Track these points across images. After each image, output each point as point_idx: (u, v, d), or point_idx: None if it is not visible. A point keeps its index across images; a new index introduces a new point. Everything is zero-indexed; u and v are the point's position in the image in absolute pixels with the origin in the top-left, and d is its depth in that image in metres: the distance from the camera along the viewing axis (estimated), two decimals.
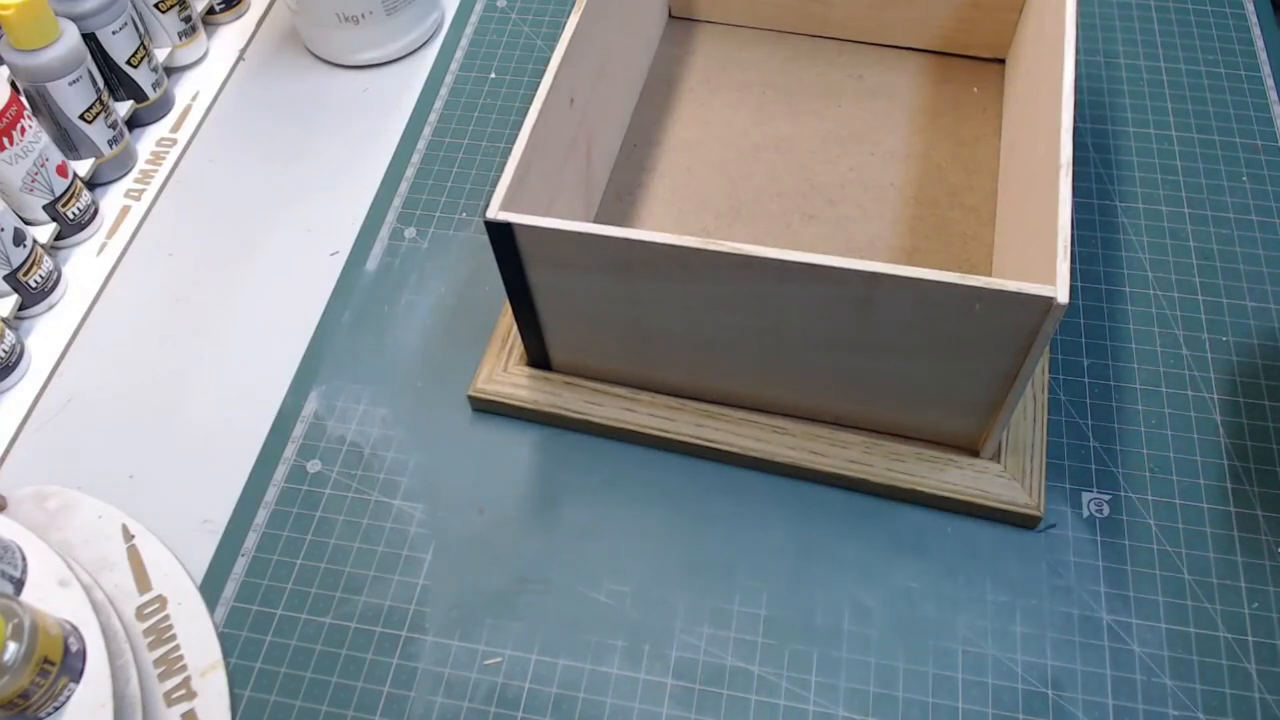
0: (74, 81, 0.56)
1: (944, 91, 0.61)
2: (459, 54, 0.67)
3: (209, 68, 0.68)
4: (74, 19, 0.57)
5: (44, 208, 0.56)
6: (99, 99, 0.58)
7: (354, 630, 0.45)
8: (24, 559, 0.43)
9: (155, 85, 0.63)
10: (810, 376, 0.45)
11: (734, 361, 0.45)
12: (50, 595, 0.42)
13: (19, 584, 0.42)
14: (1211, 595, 0.44)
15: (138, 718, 0.41)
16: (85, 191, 0.58)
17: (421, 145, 0.62)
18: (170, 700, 0.43)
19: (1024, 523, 0.46)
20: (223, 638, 0.45)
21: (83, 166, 0.59)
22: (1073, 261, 0.55)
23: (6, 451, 0.52)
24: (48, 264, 0.56)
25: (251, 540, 0.48)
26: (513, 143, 0.43)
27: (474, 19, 0.69)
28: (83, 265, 0.58)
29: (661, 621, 0.45)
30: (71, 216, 0.58)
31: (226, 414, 0.52)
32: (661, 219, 0.56)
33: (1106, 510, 0.47)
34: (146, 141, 0.64)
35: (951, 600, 0.45)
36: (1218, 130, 0.59)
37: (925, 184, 0.56)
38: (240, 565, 0.47)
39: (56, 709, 0.39)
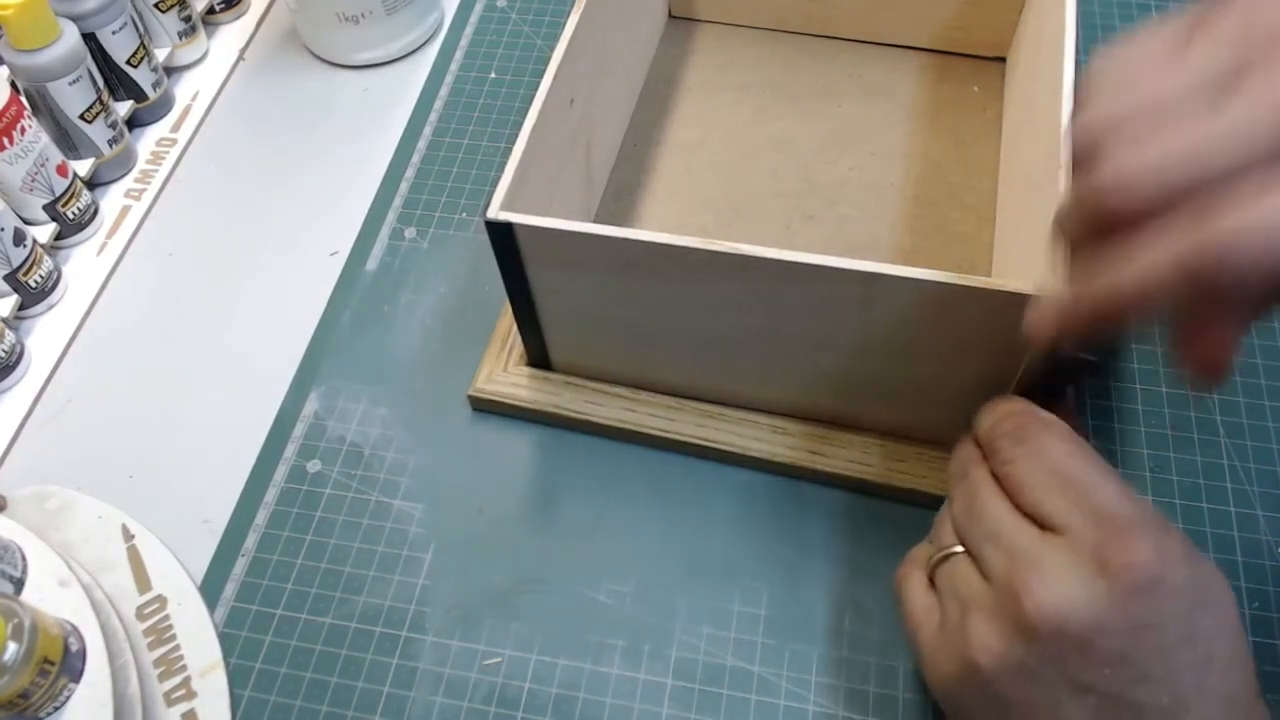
0: (74, 81, 0.56)
1: (944, 91, 0.61)
2: (459, 54, 0.67)
3: (209, 68, 0.68)
4: (74, 19, 0.57)
5: (44, 208, 0.56)
6: (99, 99, 0.58)
7: (354, 630, 0.45)
8: (24, 559, 0.43)
9: (155, 85, 0.63)
10: (810, 376, 0.45)
11: (734, 361, 0.45)
12: (50, 595, 0.42)
13: (19, 584, 0.42)
14: None
15: (138, 718, 0.41)
16: (85, 191, 0.58)
17: (421, 145, 0.62)
18: (170, 700, 0.43)
19: None
20: (223, 638, 0.45)
21: (83, 166, 0.59)
22: None
23: (6, 451, 0.52)
24: (48, 264, 0.56)
25: (251, 540, 0.48)
26: (513, 143, 0.43)
27: (474, 19, 0.69)
28: (83, 265, 0.58)
29: (661, 621, 0.45)
30: (71, 216, 0.58)
31: (226, 414, 0.52)
32: (661, 219, 0.56)
33: None
34: (146, 141, 0.64)
35: None
36: None
37: (925, 184, 0.56)
38: (240, 565, 0.47)
39: (56, 709, 0.39)
